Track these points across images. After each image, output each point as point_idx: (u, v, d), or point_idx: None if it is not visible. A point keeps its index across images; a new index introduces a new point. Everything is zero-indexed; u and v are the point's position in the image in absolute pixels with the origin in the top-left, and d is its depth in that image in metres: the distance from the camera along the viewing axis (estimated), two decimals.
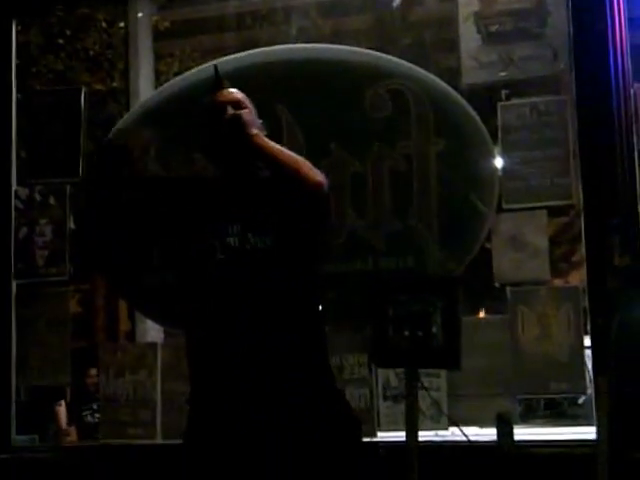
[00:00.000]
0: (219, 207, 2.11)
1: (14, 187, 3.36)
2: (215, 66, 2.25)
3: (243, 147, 2.08)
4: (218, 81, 2.23)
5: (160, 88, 3.55)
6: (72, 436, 4.13)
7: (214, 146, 2.16)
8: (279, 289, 2.00)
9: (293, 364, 1.96)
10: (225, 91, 2.19)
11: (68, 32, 6.52)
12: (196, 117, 2.21)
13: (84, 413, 4.38)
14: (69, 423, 4.33)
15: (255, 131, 2.10)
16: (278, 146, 2.11)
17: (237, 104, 2.15)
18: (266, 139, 2.11)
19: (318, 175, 2.04)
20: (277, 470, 1.91)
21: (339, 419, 1.99)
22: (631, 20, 2.70)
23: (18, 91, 3.44)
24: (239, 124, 2.07)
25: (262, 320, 1.96)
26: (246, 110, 2.14)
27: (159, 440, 3.10)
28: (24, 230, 3.33)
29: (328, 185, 2.05)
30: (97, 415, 3.78)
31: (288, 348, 1.96)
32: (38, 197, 3.34)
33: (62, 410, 3.45)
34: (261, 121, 2.20)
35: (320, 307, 2.13)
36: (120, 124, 3.39)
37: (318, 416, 1.95)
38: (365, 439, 2.12)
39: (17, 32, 3.53)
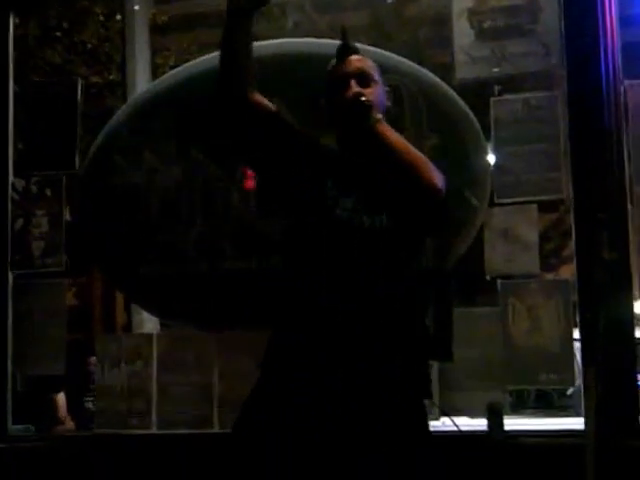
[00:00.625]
0: (331, 174, 1.97)
1: (11, 178, 3.37)
2: (343, 28, 2.05)
3: (363, 131, 1.92)
4: (344, 47, 2.01)
5: (155, 81, 3.57)
6: (70, 425, 4.16)
7: (333, 119, 2.01)
8: (389, 271, 1.88)
9: (395, 352, 1.84)
10: (352, 59, 1.99)
11: (65, 25, 6.52)
12: (320, 82, 2.06)
13: (86, 399, 4.39)
14: (68, 412, 4.35)
15: (379, 116, 1.92)
16: (401, 139, 1.94)
17: (364, 77, 1.97)
18: (389, 128, 1.94)
19: (438, 180, 1.89)
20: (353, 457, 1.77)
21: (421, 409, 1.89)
22: (622, 18, 2.73)
23: (15, 84, 3.45)
24: (362, 106, 1.91)
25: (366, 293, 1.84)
26: (371, 89, 1.96)
27: (154, 430, 3.12)
28: (20, 221, 3.35)
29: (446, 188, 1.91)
30: None
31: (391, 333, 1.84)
32: (34, 189, 3.36)
33: (62, 399, 3.47)
34: (387, 89, 2.05)
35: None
36: (116, 117, 3.41)
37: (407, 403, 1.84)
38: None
39: (15, 25, 3.53)
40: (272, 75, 3.13)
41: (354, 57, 2.02)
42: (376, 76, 2.03)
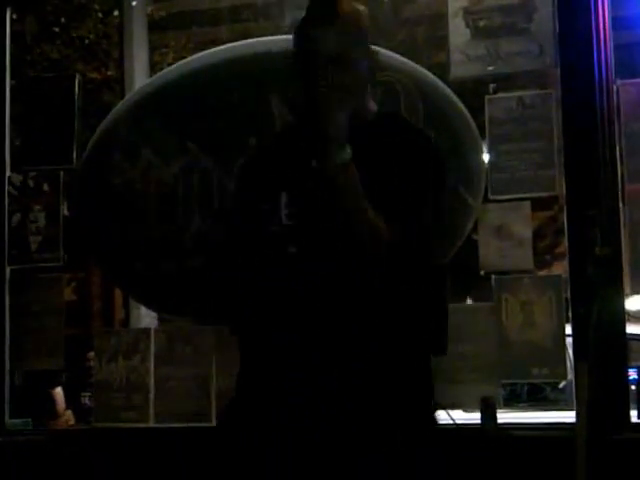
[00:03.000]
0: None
1: (8, 174, 3.39)
2: None
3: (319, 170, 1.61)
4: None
5: (153, 77, 3.58)
6: (70, 419, 4.18)
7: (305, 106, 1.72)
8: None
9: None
10: (331, 33, 1.63)
11: (63, 21, 6.52)
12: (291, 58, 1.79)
13: (84, 394, 4.41)
14: (67, 406, 4.37)
15: (346, 155, 1.58)
16: (361, 199, 1.63)
17: (344, 62, 1.62)
18: (351, 179, 1.60)
19: (381, 248, 1.68)
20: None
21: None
22: (615, 19, 2.76)
23: (13, 79, 3.46)
24: (327, 140, 1.56)
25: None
26: (350, 77, 1.61)
27: (152, 424, 3.14)
28: (17, 216, 3.36)
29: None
30: None
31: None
32: (32, 184, 3.36)
33: (59, 393, 3.48)
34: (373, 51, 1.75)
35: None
36: (113, 112, 3.42)
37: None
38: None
39: (12, 20, 3.54)
40: (272, 72, 3.17)
41: (330, 27, 1.64)
42: (359, 52, 1.69)
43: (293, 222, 1.77)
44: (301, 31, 1.78)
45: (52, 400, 3.51)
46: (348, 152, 1.61)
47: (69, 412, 4.28)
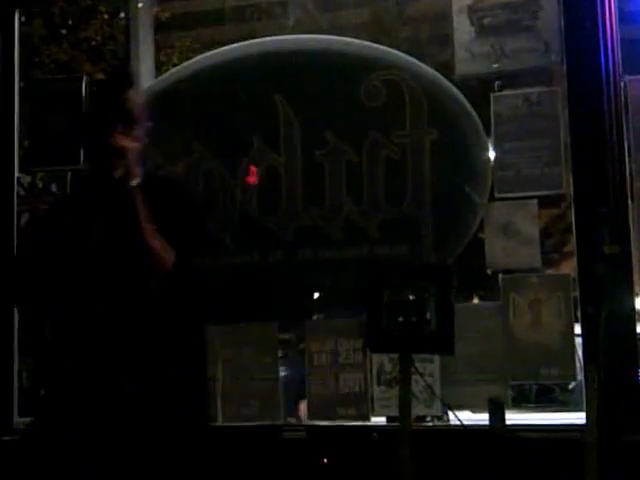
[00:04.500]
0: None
1: (16, 174, 3.40)
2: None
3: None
4: (120, 73, 2.27)
5: (159, 78, 3.58)
6: None
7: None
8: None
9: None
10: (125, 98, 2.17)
11: (70, 23, 6.55)
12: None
13: None
14: None
15: (133, 183, 2.13)
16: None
17: (131, 121, 2.13)
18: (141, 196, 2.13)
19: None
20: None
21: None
22: (621, 14, 2.74)
23: (21, 80, 3.48)
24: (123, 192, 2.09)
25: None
26: (134, 142, 2.13)
27: None
28: (26, 216, 3.37)
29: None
30: None
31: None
32: (40, 184, 3.38)
33: None
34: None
35: None
36: None
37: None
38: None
39: (21, 23, 3.56)
40: (278, 71, 3.17)
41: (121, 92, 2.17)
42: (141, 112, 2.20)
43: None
44: (97, 97, 2.28)
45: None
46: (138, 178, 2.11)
47: None
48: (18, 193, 3.39)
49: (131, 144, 2.11)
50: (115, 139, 2.08)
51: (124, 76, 2.25)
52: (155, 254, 2.09)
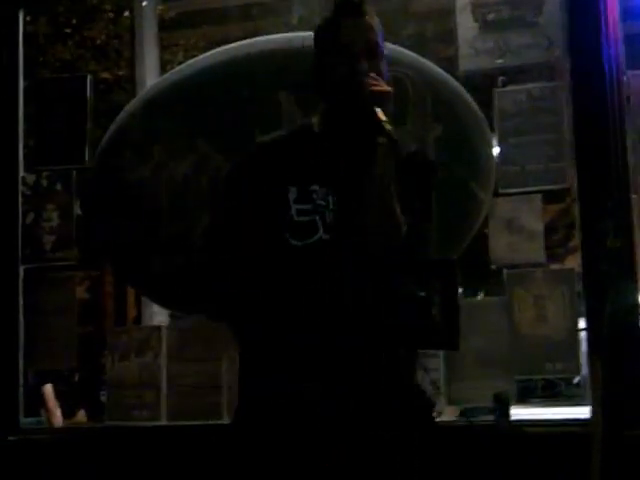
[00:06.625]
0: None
1: (21, 174, 3.41)
2: None
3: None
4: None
5: (164, 76, 3.59)
6: (82, 418, 4.19)
7: (325, 96, 1.81)
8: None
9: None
10: (362, 23, 1.77)
11: (75, 22, 6.56)
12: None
13: (102, 393, 4.40)
14: (81, 406, 4.39)
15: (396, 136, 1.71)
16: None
17: (373, 50, 1.75)
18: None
19: None
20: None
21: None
22: (624, 9, 2.75)
23: (26, 79, 3.48)
24: (380, 127, 1.69)
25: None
26: (380, 65, 1.76)
27: (164, 422, 3.15)
28: (31, 216, 3.38)
29: None
30: None
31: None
32: (45, 183, 3.39)
33: (49, 392, 3.51)
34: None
35: None
36: (125, 112, 3.43)
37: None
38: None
39: (26, 22, 3.57)
40: (283, 69, 3.17)
41: (362, 19, 1.77)
42: (381, 40, 1.80)
43: (324, 219, 1.77)
44: (332, 24, 1.82)
45: (43, 398, 3.53)
46: (396, 132, 1.72)
47: (82, 412, 4.30)
48: (23, 192, 3.39)
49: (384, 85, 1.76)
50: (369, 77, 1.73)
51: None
52: (399, 223, 1.73)
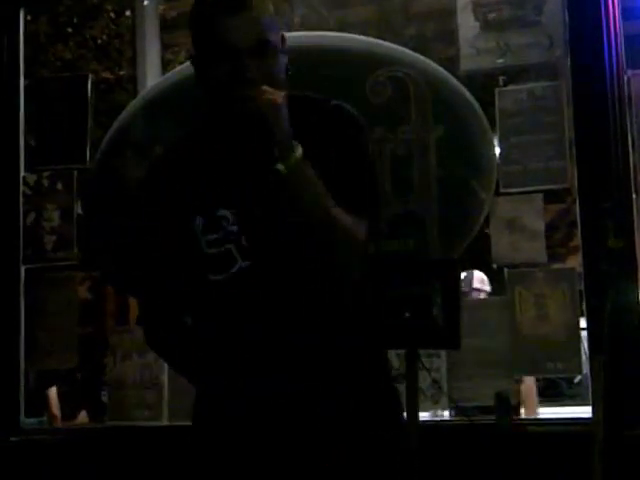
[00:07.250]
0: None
1: (22, 174, 3.41)
2: None
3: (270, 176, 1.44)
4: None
5: (165, 75, 3.59)
6: (83, 419, 4.20)
7: (208, 97, 1.54)
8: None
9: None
10: (244, 18, 1.45)
11: (76, 21, 6.56)
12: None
13: (103, 393, 4.39)
14: (82, 406, 4.39)
15: (298, 153, 1.43)
16: (320, 191, 1.47)
17: (262, 49, 1.48)
18: (305, 172, 1.45)
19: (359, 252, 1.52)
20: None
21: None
22: (625, 10, 2.75)
23: (27, 79, 3.48)
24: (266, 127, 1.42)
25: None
26: (270, 66, 1.49)
27: (165, 422, 3.15)
28: (32, 216, 3.38)
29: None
30: None
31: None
32: (46, 183, 3.38)
33: (53, 395, 3.51)
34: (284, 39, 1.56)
35: None
36: (126, 111, 3.44)
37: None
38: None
39: (26, 22, 3.57)
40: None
41: (245, 14, 1.47)
42: (275, 35, 1.51)
43: (236, 237, 1.57)
44: (205, 22, 1.52)
45: (46, 401, 3.53)
46: (299, 148, 1.46)
47: (83, 412, 4.30)
48: (23, 192, 3.40)
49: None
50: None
51: None
52: (330, 222, 1.49)
